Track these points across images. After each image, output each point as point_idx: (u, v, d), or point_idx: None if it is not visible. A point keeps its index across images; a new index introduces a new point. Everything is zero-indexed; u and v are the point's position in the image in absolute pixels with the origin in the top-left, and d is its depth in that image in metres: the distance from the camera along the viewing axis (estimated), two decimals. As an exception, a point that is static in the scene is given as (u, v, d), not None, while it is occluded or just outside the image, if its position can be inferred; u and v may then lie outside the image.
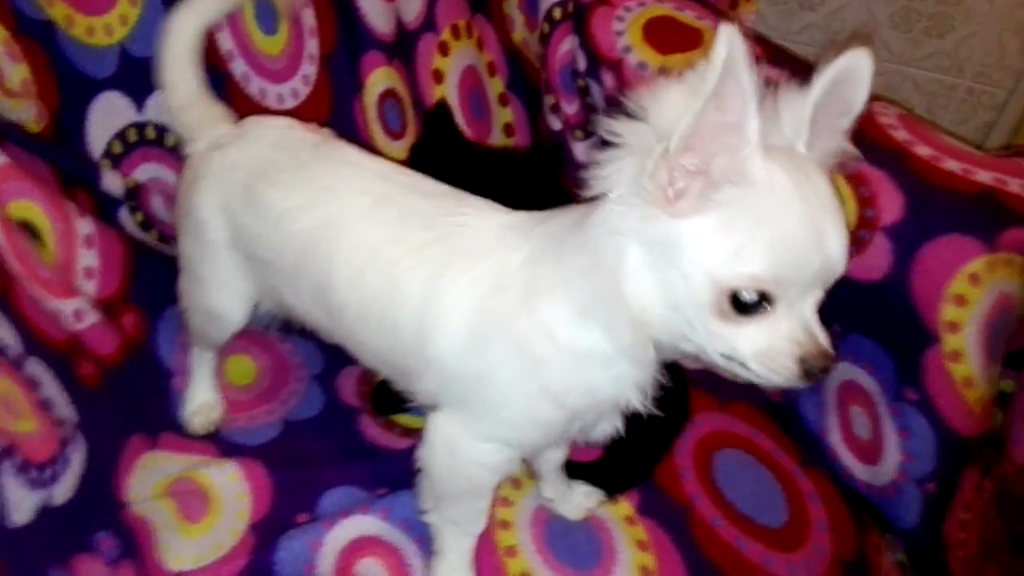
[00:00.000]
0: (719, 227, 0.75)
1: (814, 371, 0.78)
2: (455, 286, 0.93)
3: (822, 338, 0.79)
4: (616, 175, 0.78)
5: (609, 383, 0.90)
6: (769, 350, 0.78)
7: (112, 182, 1.26)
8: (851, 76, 0.80)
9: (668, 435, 1.30)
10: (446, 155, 1.30)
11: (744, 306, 0.76)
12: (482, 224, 0.97)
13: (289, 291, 1.09)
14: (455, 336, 0.93)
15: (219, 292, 1.16)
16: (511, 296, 0.90)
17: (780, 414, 1.39)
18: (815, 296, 0.79)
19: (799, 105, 0.80)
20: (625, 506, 1.21)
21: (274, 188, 1.05)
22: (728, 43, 0.68)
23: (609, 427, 1.00)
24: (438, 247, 0.95)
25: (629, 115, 0.76)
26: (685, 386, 1.36)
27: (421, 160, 1.33)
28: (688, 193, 0.75)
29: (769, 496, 1.28)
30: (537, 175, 1.30)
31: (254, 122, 1.17)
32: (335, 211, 1.02)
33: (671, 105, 0.73)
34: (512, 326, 0.90)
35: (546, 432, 0.97)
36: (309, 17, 1.38)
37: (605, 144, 0.78)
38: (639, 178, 0.76)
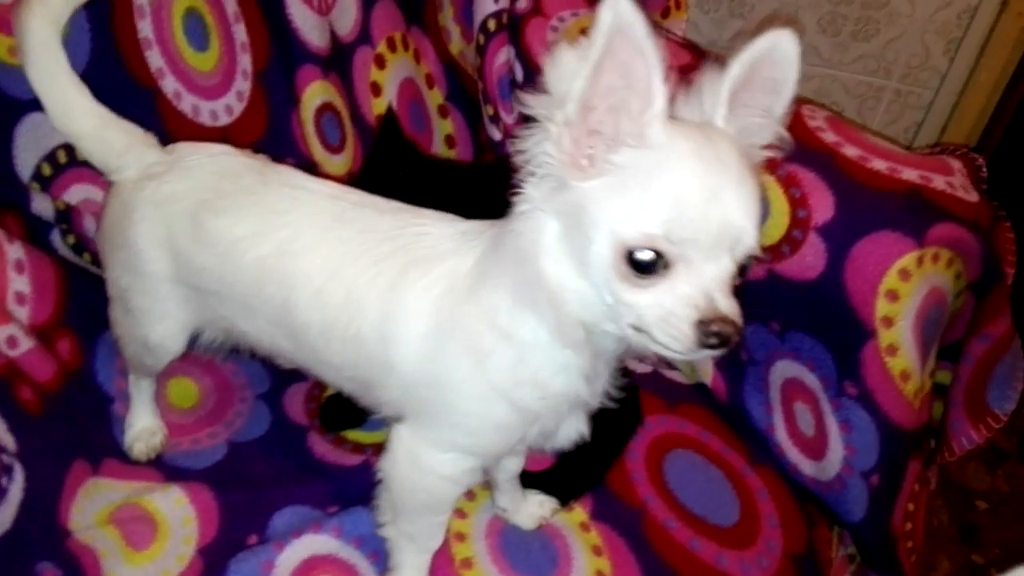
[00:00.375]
0: (616, 187, 0.77)
1: (713, 338, 0.76)
2: (412, 292, 0.94)
3: (723, 304, 0.77)
4: (533, 149, 0.80)
5: (556, 374, 0.90)
6: (668, 315, 0.77)
7: (42, 205, 1.23)
8: (773, 56, 0.81)
9: (620, 439, 1.31)
10: (399, 163, 1.29)
11: (641, 266, 0.76)
12: (438, 232, 0.98)
13: (243, 319, 1.07)
14: (414, 342, 0.94)
15: (157, 324, 1.13)
16: (461, 294, 0.91)
17: (728, 413, 1.42)
18: (722, 265, 0.78)
19: (717, 83, 0.82)
20: (579, 512, 1.21)
21: (221, 217, 1.03)
22: (614, 8, 0.71)
23: (573, 431, 1.01)
24: (397, 258, 0.96)
25: (540, 89, 0.78)
26: (635, 389, 1.37)
27: (375, 168, 1.32)
28: (596, 157, 0.77)
29: (720, 495, 1.29)
30: (488, 188, 1.30)
31: (188, 149, 1.13)
32: (290, 235, 1.01)
33: (568, 71, 0.75)
34: (460, 322, 0.91)
35: (504, 436, 0.97)
36: (241, 33, 1.36)
37: (524, 121, 0.80)
38: (548, 146, 0.78)
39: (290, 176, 1.08)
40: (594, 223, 0.78)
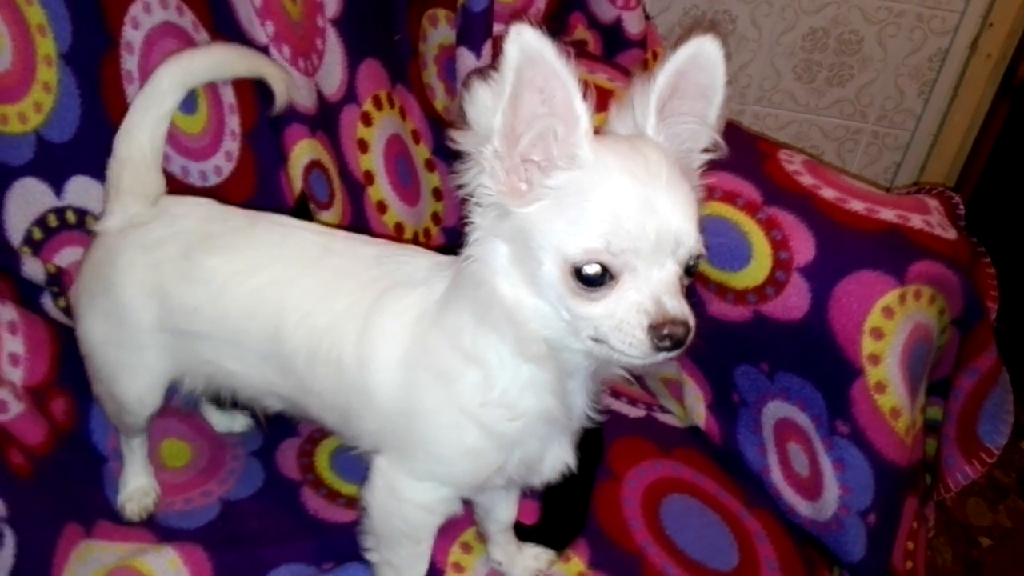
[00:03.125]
0: (554, 208, 0.80)
1: (665, 340, 0.79)
2: (387, 315, 0.97)
3: (671, 306, 0.80)
4: (471, 183, 0.83)
5: (524, 392, 0.91)
6: (620, 323, 0.80)
7: (33, 268, 1.24)
8: (697, 62, 0.84)
9: (587, 475, 1.30)
10: None
11: (589, 280, 0.80)
12: (416, 262, 1.02)
13: (231, 357, 1.08)
14: (389, 368, 0.96)
15: (134, 378, 1.13)
16: (430, 321, 0.94)
17: (722, 456, 1.41)
18: (667, 269, 0.81)
19: (646, 94, 0.85)
20: (576, 562, 1.20)
21: (216, 256, 1.06)
22: (519, 41, 0.74)
23: (559, 461, 1.01)
24: (378, 283, 0.99)
25: (466, 125, 0.81)
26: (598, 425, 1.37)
27: None
28: (533, 183, 0.81)
29: (718, 539, 1.29)
30: None
31: (173, 200, 1.16)
32: (283, 267, 1.04)
33: (485, 107, 0.78)
34: (429, 348, 0.93)
35: (478, 463, 0.98)
36: (229, 95, 1.39)
37: (458, 157, 0.83)
38: (484, 179, 0.81)
39: (277, 217, 1.12)
40: (540, 245, 0.81)
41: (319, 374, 1.01)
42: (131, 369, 1.12)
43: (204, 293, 1.05)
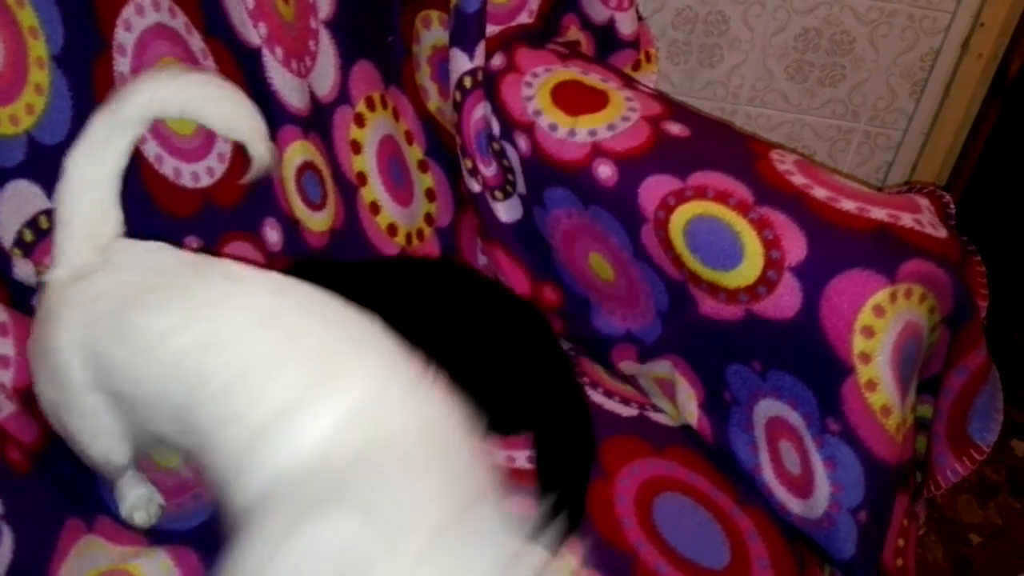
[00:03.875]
0: None
1: None
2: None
3: None
4: None
5: None
6: None
7: (24, 270, 1.23)
8: None
9: (584, 470, 1.31)
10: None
11: None
12: (363, 370, 0.93)
13: (151, 418, 1.02)
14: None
15: (95, 440, 1.09)
16: None
17: (714, 455, 1.42)
18: None
19: None
20: (569, 560, 1.21)
21: (146, 313, 0.99)
22: None
23: None
24: (312, 377, 0.91)
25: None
26: (587, 413, 1.38)
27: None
28: None
29: (710, 537, 1.29)
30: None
31: (123, 245, 1.10)
32: (213, 328, 0.96)
33: None
34: None
35: None
36: (221, 96, 1.39)
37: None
38: None
39: (230, 268, 1.04)
40: None
41: (226, 434, 0.93)
42: (88, 432, 1.09)
43: (129, 352, 0.99)
